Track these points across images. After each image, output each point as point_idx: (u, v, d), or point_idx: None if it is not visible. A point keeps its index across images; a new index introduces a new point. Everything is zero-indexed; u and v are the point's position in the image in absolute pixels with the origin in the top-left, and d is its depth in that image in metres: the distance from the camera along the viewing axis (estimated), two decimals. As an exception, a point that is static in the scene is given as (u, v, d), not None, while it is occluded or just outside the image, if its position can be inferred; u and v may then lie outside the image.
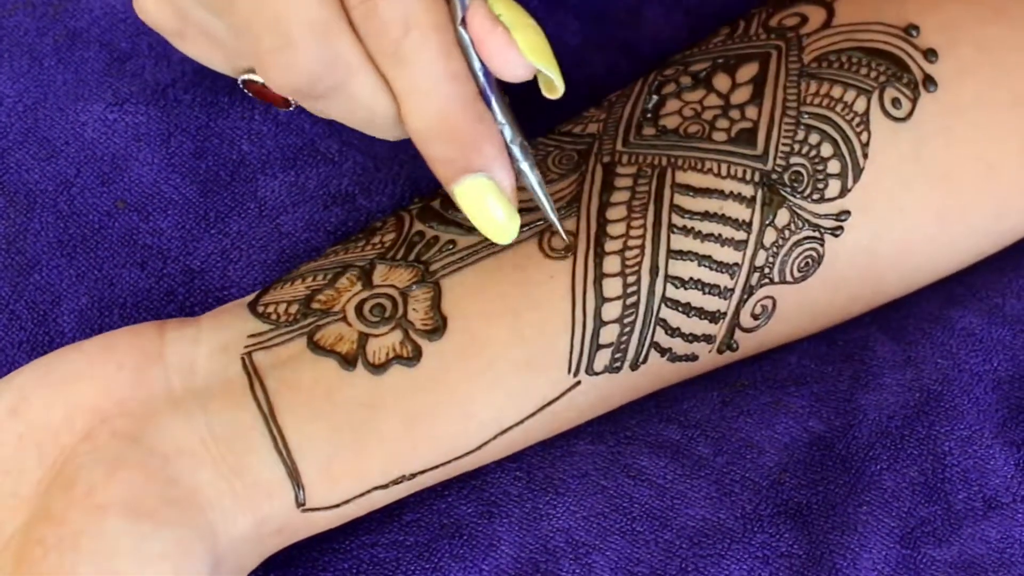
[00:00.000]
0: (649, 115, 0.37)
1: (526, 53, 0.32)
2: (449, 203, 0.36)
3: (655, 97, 0.37)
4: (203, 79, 0.42)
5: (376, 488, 0.34)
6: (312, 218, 0.40)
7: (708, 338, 0.36)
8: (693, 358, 0.37)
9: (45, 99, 0.41)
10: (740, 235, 0.35)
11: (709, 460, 0.37)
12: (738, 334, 0.37)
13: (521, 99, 0.42)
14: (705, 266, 0.35)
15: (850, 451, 0.38)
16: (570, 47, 0.43)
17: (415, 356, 0.34)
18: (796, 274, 0.36)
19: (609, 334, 0.35)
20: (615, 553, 0.36)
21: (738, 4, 0.42)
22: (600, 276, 0.35)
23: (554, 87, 0.33)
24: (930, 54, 0.37)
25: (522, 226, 0.35)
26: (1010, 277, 0.41)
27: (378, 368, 0.34)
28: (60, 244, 0.39)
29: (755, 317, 0.37)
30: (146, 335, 0.34)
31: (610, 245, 0.35)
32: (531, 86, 0.42)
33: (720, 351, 0.37)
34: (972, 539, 0.36)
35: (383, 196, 0.41)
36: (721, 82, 0.37)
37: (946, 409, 0.38)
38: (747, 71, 0.37)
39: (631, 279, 0.35)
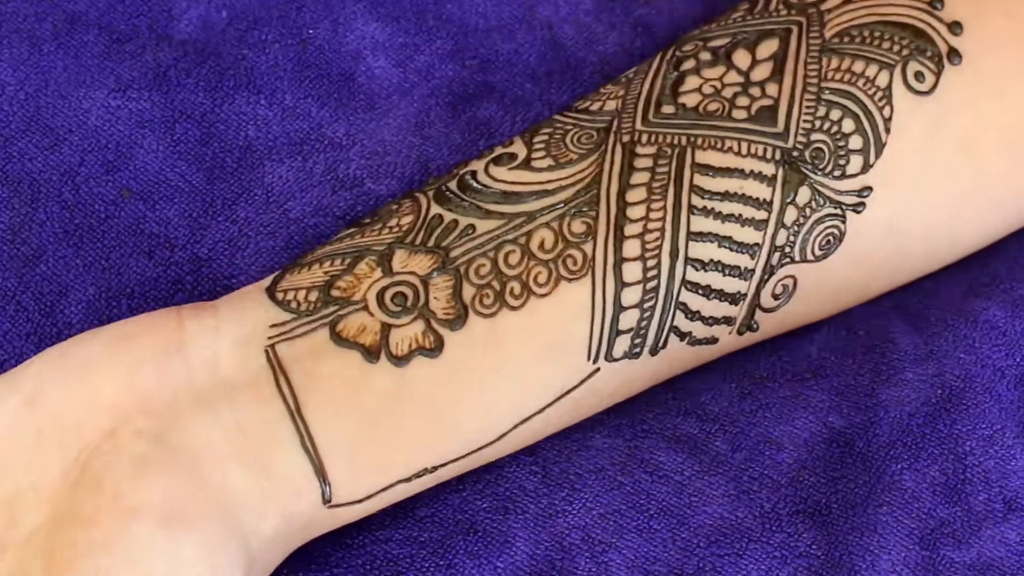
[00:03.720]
0: (668, 92, 0.36)
1: None
2: (466, 185, 0.36)
3: (675, 73, 0.36)
4: (205, 59, 0.41)
5: (400, 481, 0.34)
6: (320, 203, 0.39)
7: (728, 320, 0.36)
8: (713, 341, 0.36)
9: (46, 86, 0.40)
10: (760, 215, 0.35)
11: (727, 456, 0.37)
12: (758, 314, 0.36)
13: (536, 76, 0.41)
14: (725, 247, 0.35)
15: (870, 449, 0.37)
16: (583, 25, 0.42)
17: (437, 347, 0.33)
18: (817, 252, 0.36)
19: (629, 319, 0.34)
20: (631, 551, 0.36)
21: (754, -21, 0.42)
22: (620, 260, 0.34)
23: None
24: (955, 26, 0.36)
25: (538, 211, 0.34)
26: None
27: (401, 360, 0.33)
28: (66, 234, 0.39)
29: (776, 297, 0.36)
30: (165, 325, 0.34)
31: (630, 229, 0.34)
32: (546, 62, 0.42)
33: (740, 332, 0.36)
34: (992, 541, 0.36)
35: (392, 180, 0.40)
36: (741, 58, 0.36)
37: (968, 407, 0.38)
38: (767, 47, 0.36)
39: (651, 263, 0.34)
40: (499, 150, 0.36)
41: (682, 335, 0.35)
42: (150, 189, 0.39)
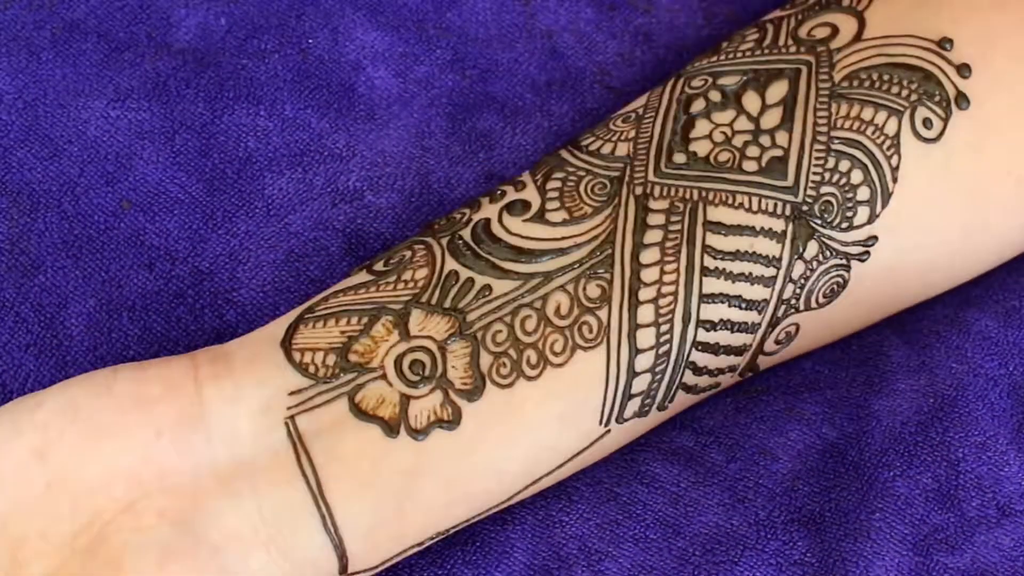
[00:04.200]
0: (679, 138, 0.36)
1: None
2: (480, 238, 0.35)
3: (684, 116, 0.36)
4: (204, 69, 0.41)
5: (413, 546, 0.34)
6: (321, 216, 0.40)
7: (732, 368, 0.36)
8: (716, 387, 0.37)
9: (45, 96, 0.40)
10: (770, 272, 0.35)
11: (722, 467, 0.37)
12: (760, 358, 0.36)
13: (537, 86, 0.41)
14: (735, 306, 0.35)
15: (863, 458, 0.38)
16: (583, 34, 0.42)
17: (455, 419, 0.33)
18: (821, 300, 0.36)
19: (640, 383, 0.35)
20: (628, 560, 0.36)
21: (755, -10, 0.42)
22: (634, 328, 0.34)
23: None
24: (964, 69, 0.36)
25: (554, 272, 0.34)
26: (1027, 280, 0.41)
27: (420, 433, 0.33)
28: (65, 245, 0.39)
29: (778, 343, 0.36)
30: (182, 389, 0.33)
31: (644, 293, 0.34)
32: (546, 71, 0.42)
33: (742, 376, 0.37)
34: (985, 547, 0.37)
35: (392, 192, 0.40)
36: (751, 102, 0.36)
37: (960, 415, 0.38)
38: (777, 90, 0.36)
39: (664, 328, 0.34)
40: (511, 194, 0.36)
41: (688, 388, 0.36)
42: (150, 200, 0.39)
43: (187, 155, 0.40)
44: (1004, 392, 0.39)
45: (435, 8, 0.42)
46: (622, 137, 0.37)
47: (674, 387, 0.35)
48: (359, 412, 0.33)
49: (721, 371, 0.36)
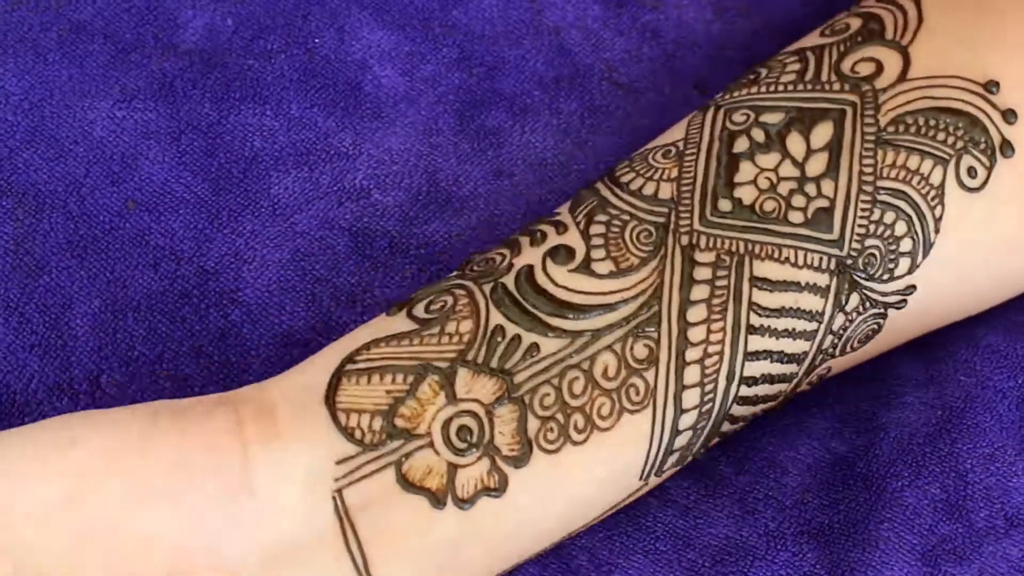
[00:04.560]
0: (723, 182, 0.35)
1: None
2: (524, 286, 0.35)
3: (727, 156, 0.36)
4: (211, 69, 0.41)
5: None
6: (327, 215, 0.39)
7: (765, 411, 0.36)
8: (743, 429, 0.36)
9: (51, 96, 0.40)
10: (812, 326, 0.35)
11: (732, 479, 0.37)
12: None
13: (544, 82, 0.41)
14: (777, 361, 0.35)
15: (871, 469, 0.37)
16: (591, 31, 0.42)
17: (502, 487, 0.33)
18: (856, 346, 0.36)
19: (682, 440, 0.34)
20: (637, 572, 0.36)
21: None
22: (681, 389, 0.34)
23: None
24: (1009, 115, 0.36)
25: (602, 330, 0.34)
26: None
27: (466, 503, 0.33)
28: (70, 245, 0.39)
29: (810, 384, 0.36)
30: (228, 455, 0.32)
31: (691, 354, 0.34)
32: (553, 68, 0.41)
33: (767, 413, 0.36)
34: (993, 557, 0.36)
35: (399, 190, 0.40)
36: (795, 146, 0.36)
37: (968, 426, 0.37)
38: (822, 133, 0.36)
39: (708, 387, 0.34)
40: (553, 237, 0.35)
41: (722, 435, 0.35)
42: (155, 200, 0.39)
43: (193, 155, 0.40)
44: (1013, 404, 0.38)
45: (441, 6, 0.41)
46: (664, 176, 0.36)
47: (712, 439, 0.35)
48: (406, 483, 0.32)
49: (755, 415, 0.36)
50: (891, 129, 0.35)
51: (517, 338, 0.34)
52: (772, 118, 0.36)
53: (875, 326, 0.36)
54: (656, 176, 0.36)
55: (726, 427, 0.35)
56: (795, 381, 0.35)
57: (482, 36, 0.41)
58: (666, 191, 0.36)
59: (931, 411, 0.38)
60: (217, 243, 0.39)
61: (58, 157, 0.39)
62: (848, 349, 0.36)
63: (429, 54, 0.41)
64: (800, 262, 0.35)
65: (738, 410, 0.35)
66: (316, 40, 0.41)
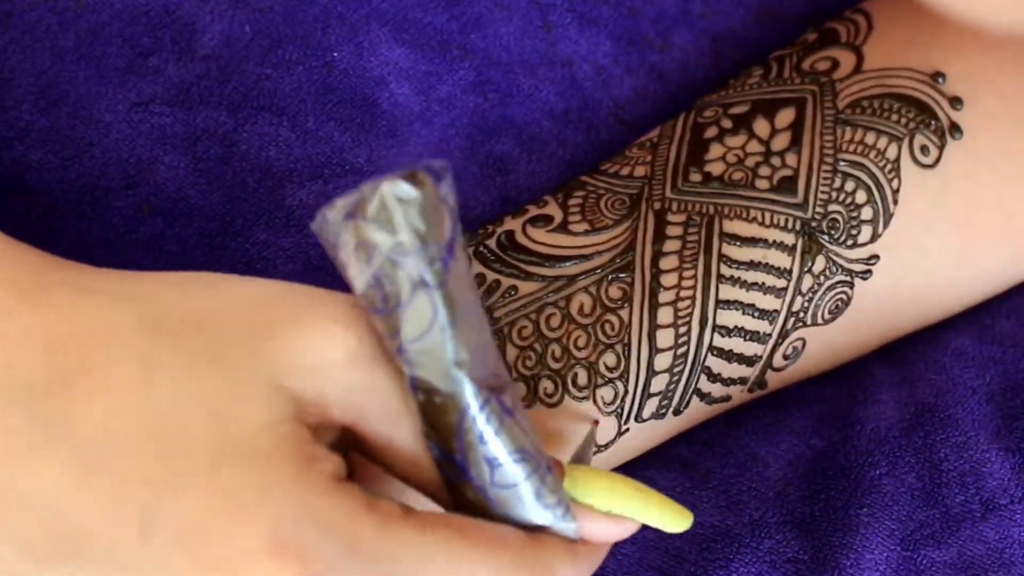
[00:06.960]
0: (694, 160, 0.38)
1: (635, 516, 0.31)
2: (505, 244, 0.37)
3: (697, 143, 0.38)
4: (228, 77, 0.41)
5: None
6: (339, 229, 0.40)
7: (743, 380, 0.38)
8: (727, 399, 0.38)
9: (67, 97, 0.40)
10: (781, 283, 0.37)
11: (716, 472, 0.39)
12: (768, 373, 0.38)
13: (554, 113, 0.42)
14: (749, 314, 0.37)
15: (849, 460, 0.40)
16: (601, 67, 0.43)
17: None
18: (827, 316, 0.38)
19: (659, 383, 0.36)
20: (626, 558, 0.38)
21: (762, 34, 0.43)
22: (654, 328, 0.36)
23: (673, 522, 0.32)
24: (955, 102, 0.39)
25: (577, 275, 0.36)
26: (999, 300, 0.43)
27: None
28: (83, 248, 0.38)
29: (786, 357, 0.38)
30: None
31: (663, 296, 0.36)
32: (564, 99, 0.42)
33: (751, 391, 0.38)
34: (970, 540, 0.38)
35: (409, 208, 0.40)
36: (761, 127, 0.38)
37: (941, 419, 0.40)
38: (785, 116, 0.38)
39: (682, 329, 0.36)
40: (534, 210, 0.38)
41: (702, 396, 0.37)
42: (169, 207, 0.39)
43: (208, 162, 0.40)
44: (983, 400, 0.41)
45: (460, 29, 0.42)
46: (639, 161, 0.39)
47: (690, 391, 0.37)
48: None
49: (733, 381, 0.38)
50: (848, 111, 0.38)
51: (497, 282, 0.36)
52: (738, 109, 0.39)
53: (843, 296, 0.38)
54: (631, 162, 0.39)
55: (705, 384, 0.37)
56: (769, 344, 0.37)
57: (498, 62, 0.42)
58: (640, 171, 0.38)
59: (905, 407, 0.40)
60: (229, 252, 0.39)
61: (73, 158, 0.39)
62: (819, 319, 0.38)
63: (446, 75, 0.42)
64: (767, 221, 0.37)
65: (715, 364, 0.37)
66: (335, 54, 0.41)
